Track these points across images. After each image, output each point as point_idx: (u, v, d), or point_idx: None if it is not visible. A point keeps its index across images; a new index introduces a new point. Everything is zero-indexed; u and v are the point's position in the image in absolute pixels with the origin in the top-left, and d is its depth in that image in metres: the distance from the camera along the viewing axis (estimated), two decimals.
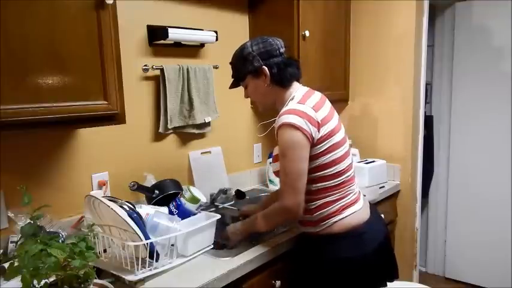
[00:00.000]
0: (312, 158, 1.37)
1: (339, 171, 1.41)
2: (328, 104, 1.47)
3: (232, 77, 1.54)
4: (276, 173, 1.48)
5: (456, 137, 3.03)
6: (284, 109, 1.40)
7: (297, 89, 1.47)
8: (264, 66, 1.43)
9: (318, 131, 1.36)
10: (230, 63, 1.53)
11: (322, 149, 1.37)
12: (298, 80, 1.50)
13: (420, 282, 2.53)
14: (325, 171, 1.39)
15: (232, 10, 2.14)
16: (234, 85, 1.56)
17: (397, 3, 2.37)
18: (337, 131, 1.43)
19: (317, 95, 1.47)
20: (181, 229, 1.36)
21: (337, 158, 1.40)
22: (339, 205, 1.42)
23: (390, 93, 2.47)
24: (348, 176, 1.45)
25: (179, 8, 1.89)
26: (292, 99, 1.43)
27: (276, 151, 1.46)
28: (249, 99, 2.24)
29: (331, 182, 1.40)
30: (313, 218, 1.43)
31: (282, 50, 1.45)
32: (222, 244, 1.55)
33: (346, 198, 1.44)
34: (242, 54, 1.46)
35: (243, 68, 1.46)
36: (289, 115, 1.34)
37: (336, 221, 1.41)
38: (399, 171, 2.49)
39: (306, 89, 1.48)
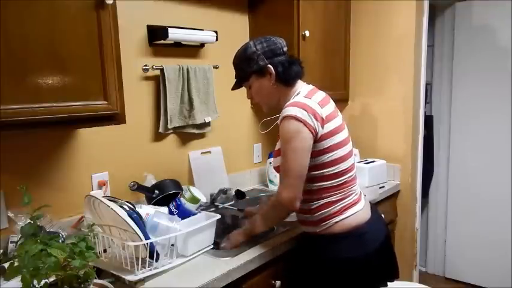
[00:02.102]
0: (313, 155, 1.36)
1: (340, 171, 1.40)
2: (332, 103, 1.47)
3: (236, 77, 1.51)
4: (276, 168, 1.48)
5: (456, 137, 3.03)
6: (289, 102, 1.39)
7: (302, 86, 1.47)
8: (269, 65, 1.42)
9: (322, 127, 1.36)
10: (233, 63, 1.50)
11: (324, 147, 1.37)
12: (301, 79, 1.50)
13: (420, 282, 2.53)
14: (325, 171, 1.38)
15: (232, 10, 2.14)
16: (236, 86, 1.53)
17: (397, 3, 2.37)
18: (340, 130, 1.42)
19: (322, 93, 1.47)
20: (181, 229, 1.36)
21: (338, 157, 1.40)
22: (340, 205, 1.41)
23: (390, 93, 2.47)
24: (350, 176, 1.45)
25: (179, 8, 1.89)
26: (298, 94, 1.43)
27: (278, 146, 1.45)
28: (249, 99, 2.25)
29: (332, 181, 1.40)
30: (314, 218, 1.43)
31: (285, 49, 1.45)
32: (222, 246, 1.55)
33: (348, 198, 1.43)
34: (246, 53, 1.44)
35: (247, 67, 1.44)
36: (294, 107, 1.33)
37: (337, 221, 1.41)
38: (399, 171, 2.49)
39: (311, 86, 1.48)
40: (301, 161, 1.34)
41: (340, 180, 1.41)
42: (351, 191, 1.45)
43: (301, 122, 1.31)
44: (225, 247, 1.51)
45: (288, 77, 1.43)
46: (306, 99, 1.38)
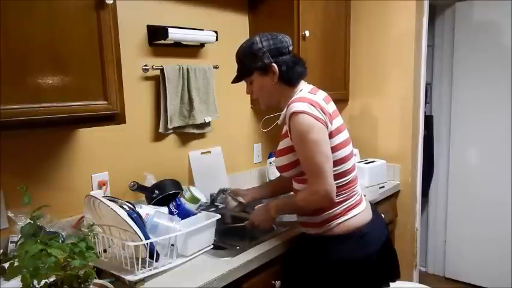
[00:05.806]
0: None
1: (345, 171, 1.40)
2: (333, 103, 1.47)
3: (238, 71, 1.49)
4: (279, 168, 1.47)
5: (456, 137, 3.03)
6: (294, 97, 1.38)
7: (303, 84, 1.46)
8: (273, 64, 1.40)
9: (331, 123, 1.35)
10: (237, 57, 1.48)
11: (333, 145, 1.36)
12: (304, 79, 1.49)
13: (420, 282, 2.53)
14: (334, 169, 1.37)
15: (232, 10, 2.14)
16: (237, 80, 1.51)
17: (397, 3, 2.37)
18: (343, 129, 1.43)
19: (323, 92, 1.47)
20: (181, 229, 1.36)
21: (344, 156, 1.39)
22: (344, 206, 1.41)
23: (390, 93, 2.47)
24: (353, 176, 1.44)
25: (179, 8, 1.89)
26: (301, 91, 1.42)
27: (282, 145, 1.44)
28: (249, 98, 2.25)
29: (338, 181, 1.38)
30: (317, 219, 1.42)
31: (290, 48, 1.43)
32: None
33: (351, 199, 1.43)
34: (251, 49, 1.41)
35: (251, 63, 1.42)
36: (301, 103, 1.32)
37: (340, 223, 1.40)
38: (399, 171, 2.49)
39: (312, 85, 1.48)
40: (326, 152, 1.31)
41: (344, 181, 1.40)
42: (353, 191, 1.44)
43: (311, 116, 1.29)
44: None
45: (291, 77, 1.42)
46: (311, 94, 1.38)
